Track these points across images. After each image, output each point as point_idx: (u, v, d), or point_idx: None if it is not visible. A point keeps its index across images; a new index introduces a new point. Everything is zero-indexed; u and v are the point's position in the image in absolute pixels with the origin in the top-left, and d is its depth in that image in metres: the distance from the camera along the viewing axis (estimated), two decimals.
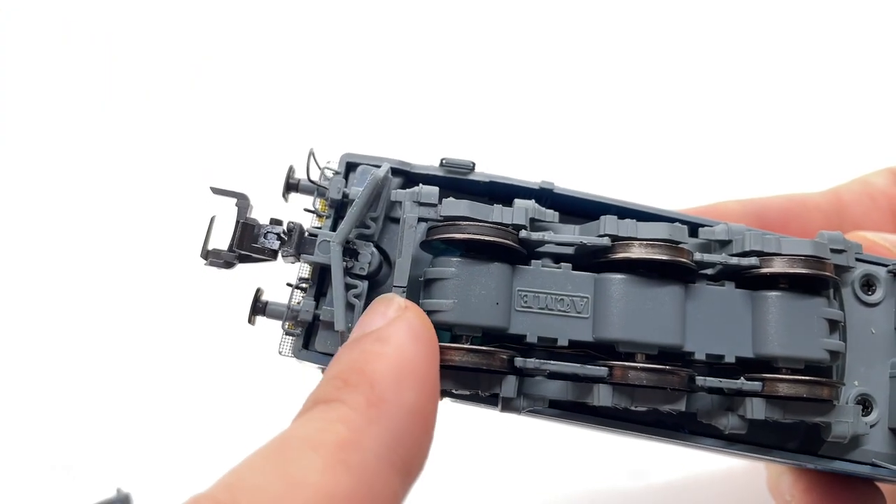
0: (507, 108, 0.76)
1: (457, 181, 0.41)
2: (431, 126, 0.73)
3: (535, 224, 0.39)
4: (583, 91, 0.77)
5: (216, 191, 0.38)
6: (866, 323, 0.41)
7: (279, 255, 0.38)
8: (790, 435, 0.41)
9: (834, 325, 0.39)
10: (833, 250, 0.40)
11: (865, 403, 0.41)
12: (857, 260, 0.41)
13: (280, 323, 0.39)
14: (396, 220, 0.40)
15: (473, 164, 0.41)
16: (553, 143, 0.74)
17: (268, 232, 0.38)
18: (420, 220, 0.38)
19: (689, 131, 0.76)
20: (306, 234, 0.39)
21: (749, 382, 0.38)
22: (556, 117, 0.76)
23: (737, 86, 0.79)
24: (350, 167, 0.41)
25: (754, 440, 0.40)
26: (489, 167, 0.42)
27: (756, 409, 0.38)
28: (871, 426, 0.40)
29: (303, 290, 0.40)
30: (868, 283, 0.42)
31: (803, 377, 0.37)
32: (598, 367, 0.37)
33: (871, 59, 0.79)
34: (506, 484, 0.62)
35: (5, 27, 0.76)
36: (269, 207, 0.40)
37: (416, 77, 0.77)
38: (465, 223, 0.37)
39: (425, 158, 0.42)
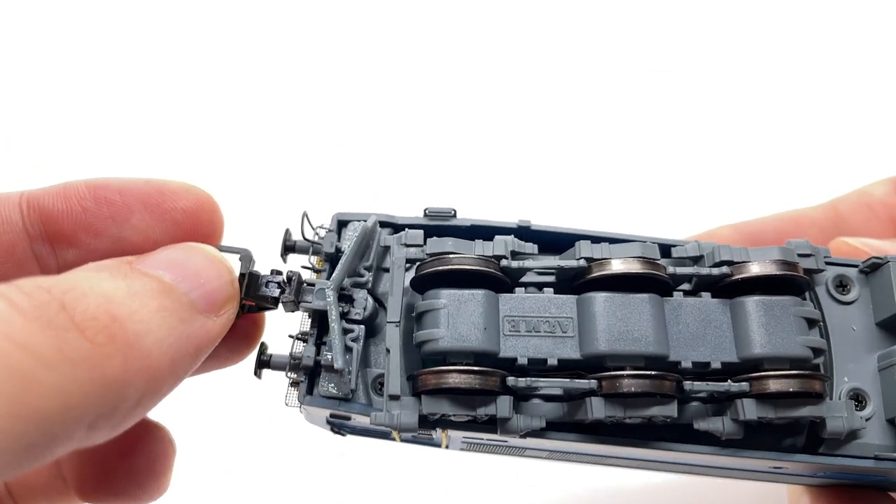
0: (488, 156, 0.79)
1: (440, 228, 0.44)
2: (415, 187, 0.77)
3: (515, 256, 0.42)
4: (565, 127, 0.80)
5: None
6: (846, 321, 0.43)
7: (280, 302, 0.41)
8: (789, 439, 0.42)
9: (812, 323, 0.40)
10: (800, 255, 0.42)
11: (858, 398, 0.41)
12: (828, 263, 0.43)
13: (284, 373, 0.41)
14: (388, 270, 0.43)
15: (455, 211, 0.44)
16: (534, 186, 0.76)
17: (269, 281, 0.41)
18: (408, 260, 0.41)
19: (687, 151, 0.77)
20: (304, 284, 0.41)
21: (737, 384, 0.39)
22: (537, 156, 0.78)
23: (737, 97, 0.80)
24: (341, 224, 0.44)
25: (753, 447, 0.41)
26: (470, 213, 0.45)
27: (748, 410, 0.39)
28: (867, 420, 0.41)
29: (304, 341, 0.42)
30: (842, 284, 0.43)
31: (790, 372, 0.39)
32: (587, 381, 0.38)
33: (870, 71, 0.81)
34: (505, 484, 0.61)
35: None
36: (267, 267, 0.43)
37: (399, 142, 0.82)
38: (449, 256, 0.40)
39: (411, 213, 0.45)
